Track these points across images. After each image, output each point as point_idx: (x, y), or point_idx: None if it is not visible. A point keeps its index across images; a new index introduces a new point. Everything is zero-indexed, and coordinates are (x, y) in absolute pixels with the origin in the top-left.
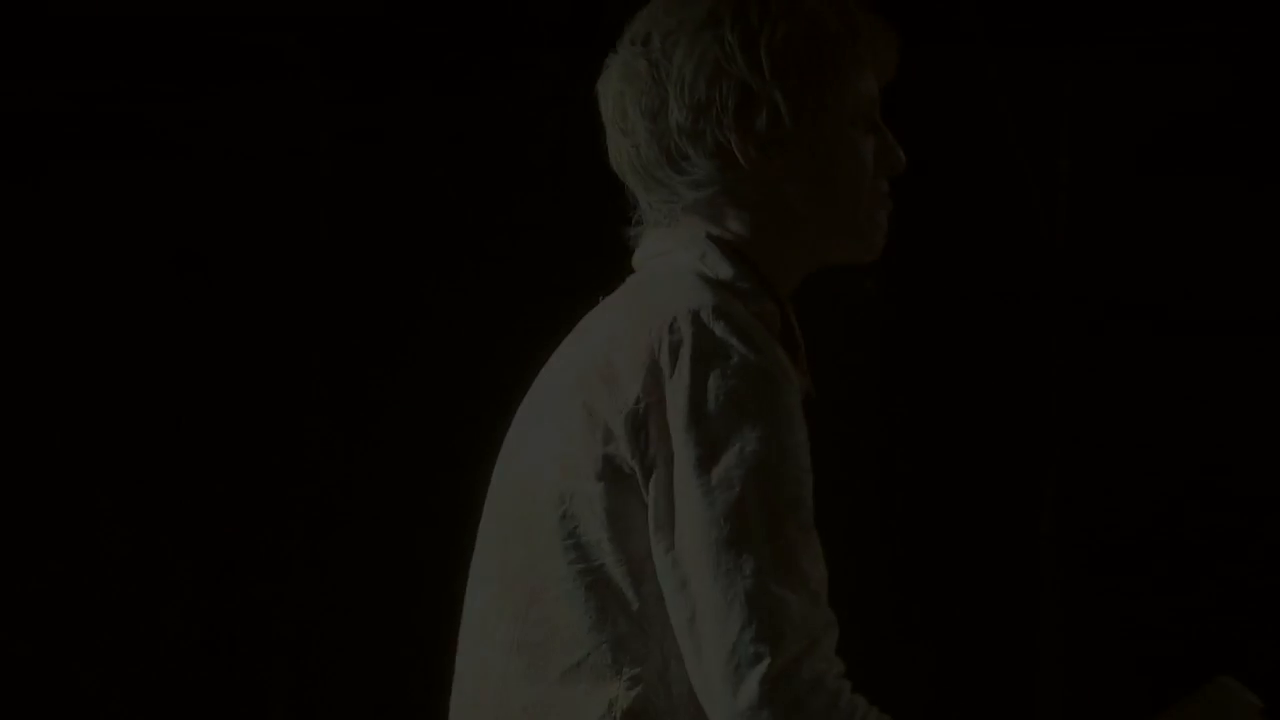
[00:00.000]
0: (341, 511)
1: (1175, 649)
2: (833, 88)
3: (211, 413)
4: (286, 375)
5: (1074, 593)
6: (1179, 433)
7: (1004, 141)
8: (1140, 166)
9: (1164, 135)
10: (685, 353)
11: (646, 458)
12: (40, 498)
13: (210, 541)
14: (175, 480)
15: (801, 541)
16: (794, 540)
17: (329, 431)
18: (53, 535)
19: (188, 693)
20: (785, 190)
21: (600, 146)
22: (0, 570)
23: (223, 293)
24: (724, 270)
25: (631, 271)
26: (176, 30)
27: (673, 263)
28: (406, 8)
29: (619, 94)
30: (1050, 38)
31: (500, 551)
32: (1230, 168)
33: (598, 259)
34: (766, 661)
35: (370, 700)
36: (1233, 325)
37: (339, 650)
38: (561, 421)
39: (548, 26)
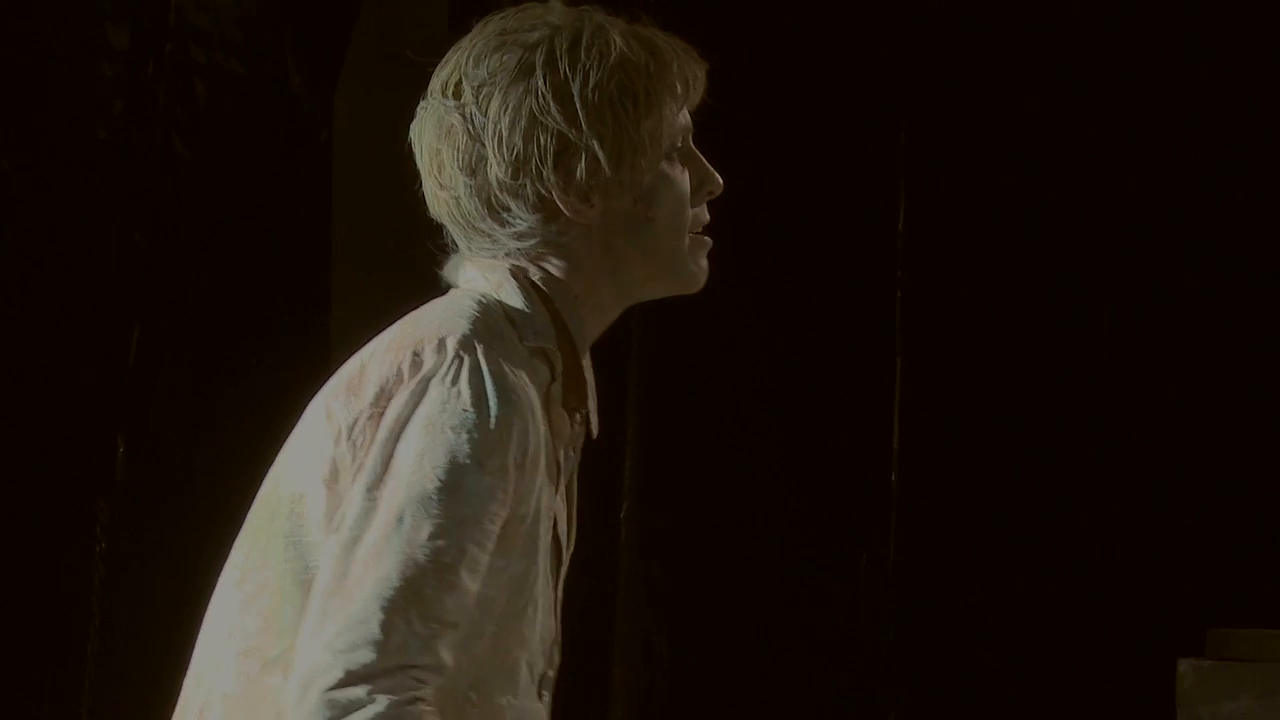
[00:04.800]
0: None
1: None
2: (648, 126)
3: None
4: None
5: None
6: None
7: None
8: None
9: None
10: (411, 378)
11: (352, 467)
12: None
13: None
14: None
15: (438, 581)
16: (429, 577)
17: None
18: None
19: None
20: (608, 234)
21: None
22: None
23: None
24: (515, 300)
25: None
26: None
27: (470, 289)
28: None
29: (434, 150)
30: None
31: (245, 545)
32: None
33: None
34: (337, 675)
35: None
36: None
37: None
38: (309, 424)
39: None
